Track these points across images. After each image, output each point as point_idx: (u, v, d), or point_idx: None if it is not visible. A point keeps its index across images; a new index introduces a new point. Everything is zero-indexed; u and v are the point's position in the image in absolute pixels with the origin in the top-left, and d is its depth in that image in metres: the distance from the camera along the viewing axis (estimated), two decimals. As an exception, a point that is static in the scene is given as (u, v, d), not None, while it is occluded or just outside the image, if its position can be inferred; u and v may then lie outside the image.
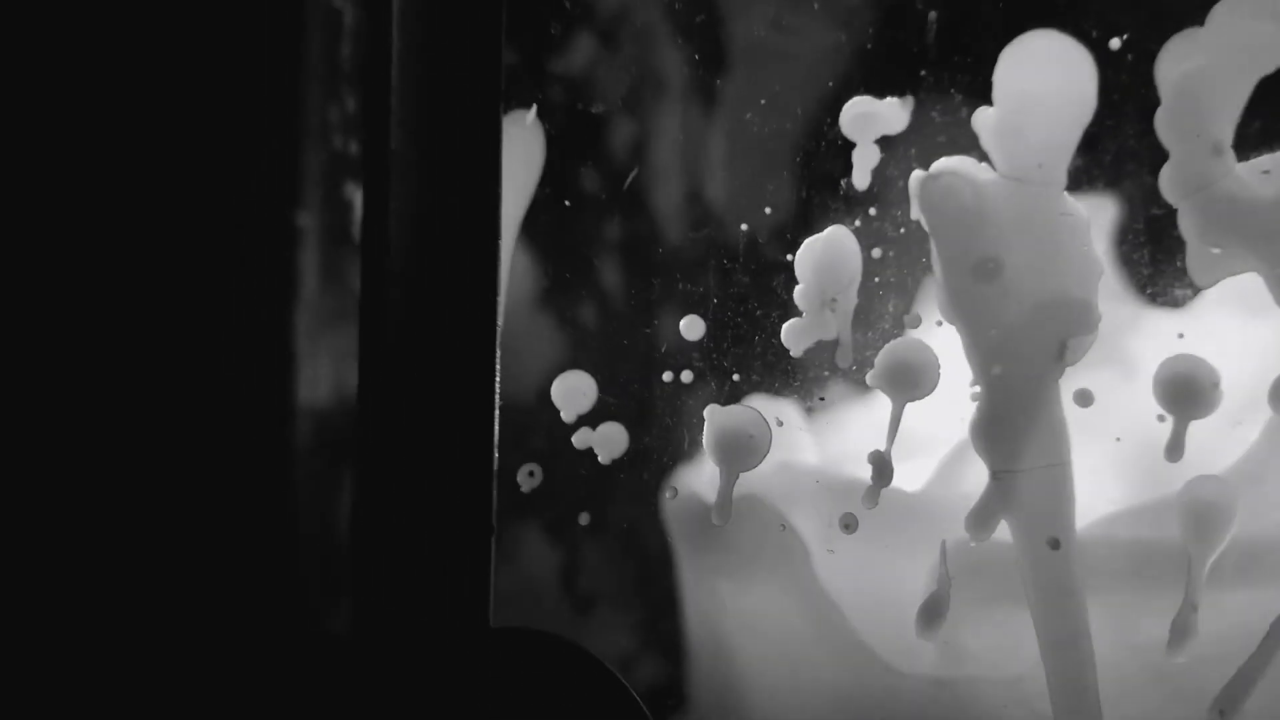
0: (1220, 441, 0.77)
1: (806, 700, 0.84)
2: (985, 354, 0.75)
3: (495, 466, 0.75)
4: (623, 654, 0.92)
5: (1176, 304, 0.81)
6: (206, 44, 0.82)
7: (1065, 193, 0.76)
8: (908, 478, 0.81)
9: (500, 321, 0.77)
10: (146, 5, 0.82)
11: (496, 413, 0.75)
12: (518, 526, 0.92)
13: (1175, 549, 0.75)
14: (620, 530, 0.90)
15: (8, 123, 0.82)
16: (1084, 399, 0.77)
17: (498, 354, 0.76)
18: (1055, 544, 0.75)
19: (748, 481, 0.80)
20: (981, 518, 0.75)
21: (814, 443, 0.87)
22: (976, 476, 0.77)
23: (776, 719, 0.85)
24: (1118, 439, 0.80)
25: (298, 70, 0.83)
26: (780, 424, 0.80)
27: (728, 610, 0.87)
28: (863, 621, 0.82)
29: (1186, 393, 0.74)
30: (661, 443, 0.84)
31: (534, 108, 0.85)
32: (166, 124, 0.82)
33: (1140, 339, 0.81)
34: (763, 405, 0.81)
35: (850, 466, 0.82)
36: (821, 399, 0.83)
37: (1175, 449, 0.74)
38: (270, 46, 0.83)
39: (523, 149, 0.85)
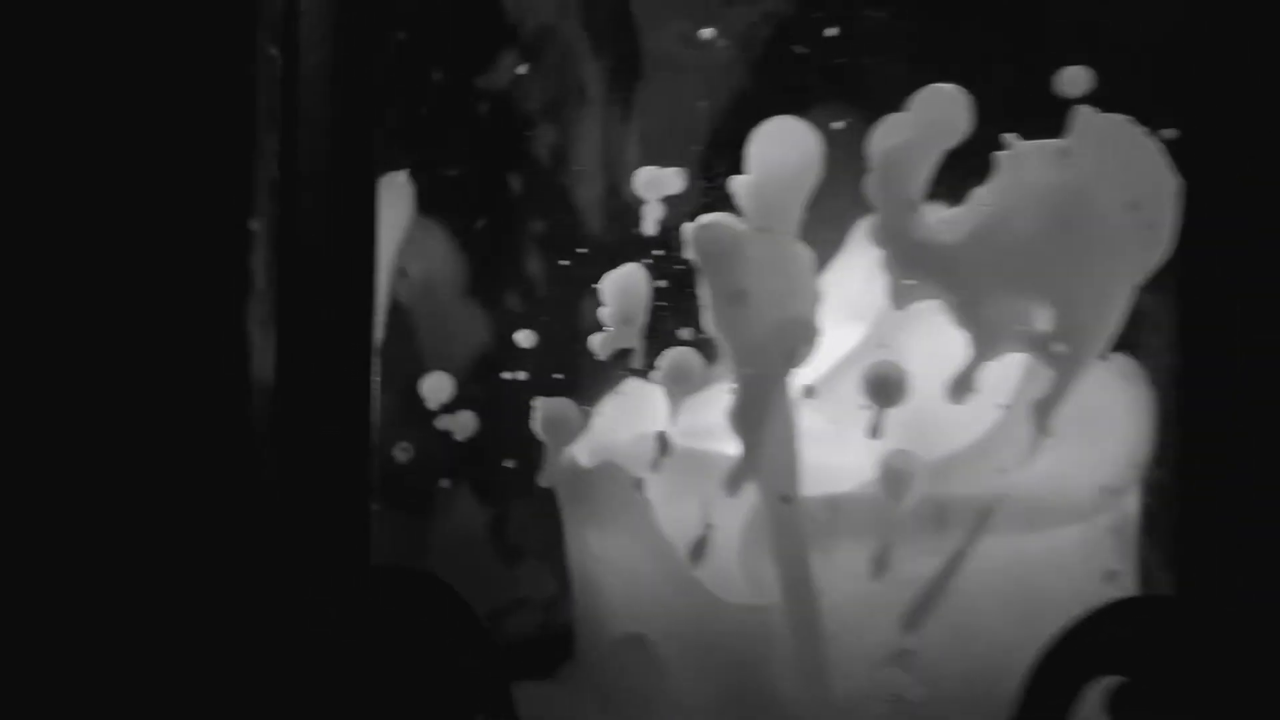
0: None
1: (655, 626, 0.99)
2: (739, 359, 0.97)
3: (372, 442, 0.97)
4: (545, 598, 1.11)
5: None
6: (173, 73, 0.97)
7: (797, 239, 0.97)
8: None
9: (378, 332, 0.98)
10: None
11: (373, 400, 0.97)
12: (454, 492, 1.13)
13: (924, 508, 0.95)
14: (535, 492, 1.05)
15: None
16: (809, 392, 0.99)
17: (374, 354, 0.97)
18: (786, 499, 0.96)
19: (610, 449, 1.02)
20: (734, 479, 0.97)
21: (669, 419, 1.02)
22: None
23: (634, 642, 1.01)
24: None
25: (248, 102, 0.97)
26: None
27: (594, 555, 1.03)
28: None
29: (882, 388, 0.96)
30: (504, 425, 1.07)
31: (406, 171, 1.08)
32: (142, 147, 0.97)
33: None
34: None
35: (696, 439, 1.01)
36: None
37: (875, 430, 0.96)
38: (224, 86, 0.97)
39: (397, 201, 1.08)
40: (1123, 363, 0.98)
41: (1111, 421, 0.98)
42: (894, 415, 0.96)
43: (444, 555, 1.13)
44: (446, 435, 1.09)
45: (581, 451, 1.04)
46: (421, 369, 1.11)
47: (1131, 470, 0.98)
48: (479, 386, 1.10)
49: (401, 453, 1.09)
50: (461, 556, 1.13)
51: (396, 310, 1.10)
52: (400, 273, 1.11)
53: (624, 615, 1.02)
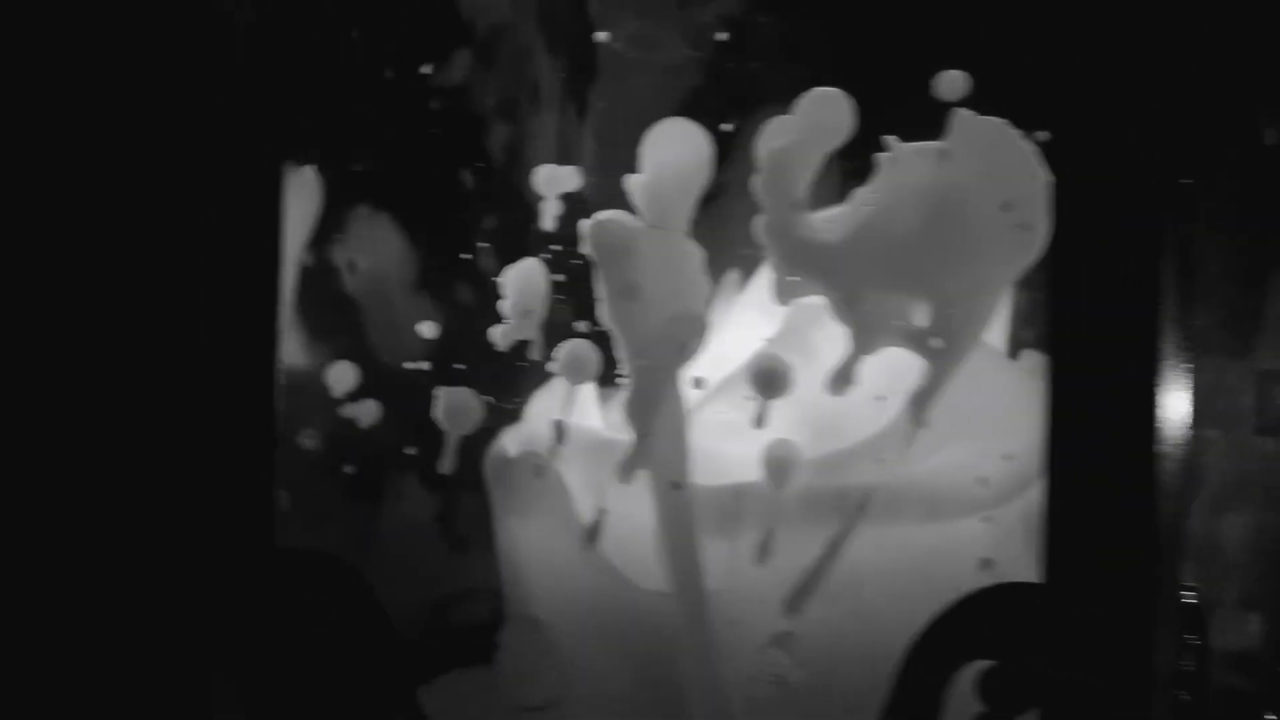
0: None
1: (574, 611, 1.04)
2: (632, 351, 1.01)
3: (276, 427, 1.00)
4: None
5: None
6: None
7: (688, 236, 1.01)
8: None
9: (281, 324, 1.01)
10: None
11: (277, 388, 1.00)
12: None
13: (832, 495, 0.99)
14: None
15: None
16: (698, 383, 1.03)
17: (278, 344, 1.00)
18: (676, 485, 1.00)
19: (533, 440, 1.05)
20: (627, 467, 1.01)
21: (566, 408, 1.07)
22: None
23: (554, 626, 1.05)
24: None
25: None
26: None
27: (517, 542, 1.07)
28: (611, 548, 1.03)
29: (766, 380, 1.00)
30: (408, 413, 1.10)
31: (313, 165, 1.12)
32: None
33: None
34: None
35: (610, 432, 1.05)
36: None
37: (760, 420, 0.99)
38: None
39: (305, 193, 1.12)
40: (1032, 359, 1.01)
41: (998, 416, 1.01)
42: (800, 411, 1.01)
43: (392, 544, 1.17)
44: (351, 423, 1.13)
45: (510, 442, 1.08)
46: (330, 359, 1.15)
47: (1011, 463, 1.01)
48: (384, 376, 1.14)
49: (307, 440, 1.13)
50: (410, 546, 1.16)
51: (311, 300, 1.14)
52: (350, 266, 1.15)
53: (545, 601, 1.06)
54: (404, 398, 1.12)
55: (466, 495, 1.10)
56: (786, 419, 1.01)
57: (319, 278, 1.16)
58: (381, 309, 1.17)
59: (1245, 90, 1.06)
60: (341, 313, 1.17)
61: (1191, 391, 0.95)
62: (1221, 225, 1.05)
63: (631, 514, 1.04)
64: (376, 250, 1.17)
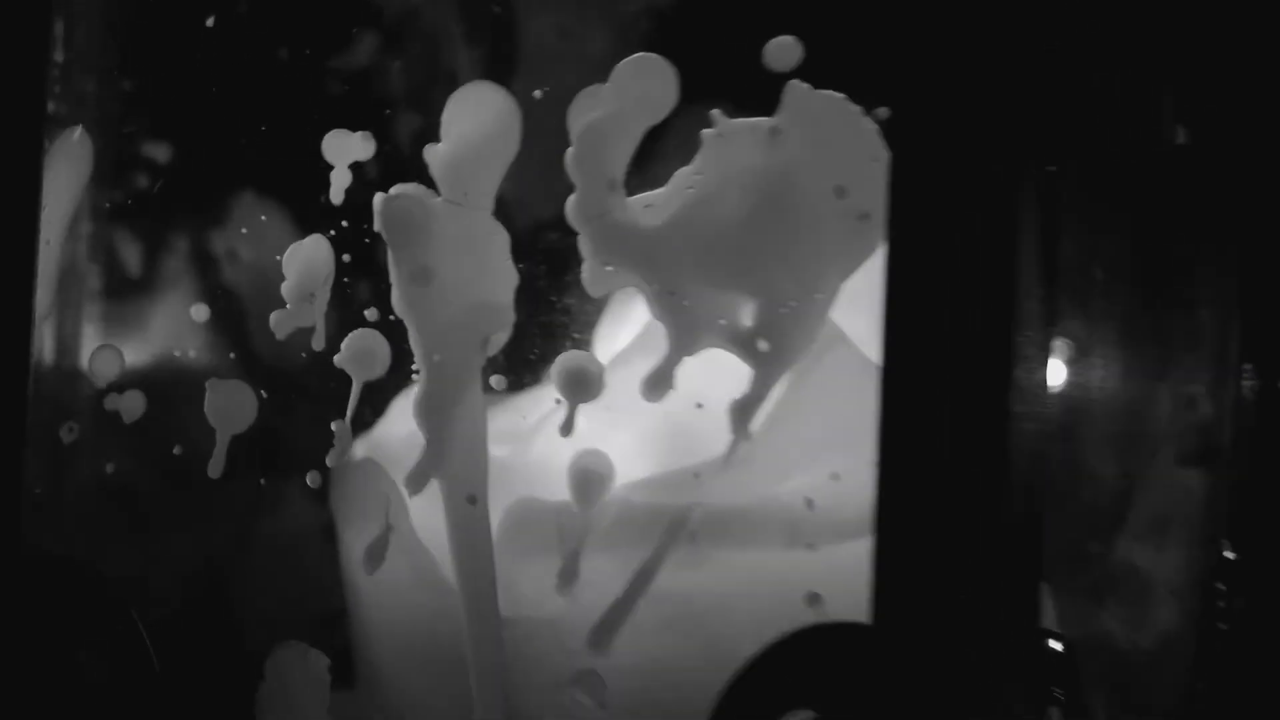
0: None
1: (408, 638, 0.99)
2: (426, 344, 0.94)
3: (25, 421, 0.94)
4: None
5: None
6: None
7: (491, 215, 0.95)
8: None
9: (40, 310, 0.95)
10: None
11: (29, 378, 0.94)
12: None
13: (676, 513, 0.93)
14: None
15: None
16: (499, 385, 0.97)
17: (32, 332, 0.93)
18: (472, 499, 0.94)
19: (380, 446, 1.01)
20: (417, 477, 0.94)
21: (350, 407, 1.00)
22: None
23: (385, 655, 1.01)
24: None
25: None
26: None
27: (352, 559, 1.02)
28: (449, 567, 0.97)
29: (573, 382, 0.93)
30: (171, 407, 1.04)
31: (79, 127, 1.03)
32: None
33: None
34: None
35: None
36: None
37: (567, 427, 0.93)
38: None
39: (70, 162, 1.04)
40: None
41: (838, 430, 0.95)
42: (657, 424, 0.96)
43: (278, 556, 1.13)
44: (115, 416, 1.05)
45: (359, 448, 1.03)
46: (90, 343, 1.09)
47: (839, 483, 0.94)
48: (150, 365, 1.09)
49: (68, 433, 1.06)
50: (297, 558, 1.13)
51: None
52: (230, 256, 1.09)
53: (379, 627, 1.02)
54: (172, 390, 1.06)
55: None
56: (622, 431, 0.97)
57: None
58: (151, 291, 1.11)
59: (1146, 65, 1.00)
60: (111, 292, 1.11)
61: (1047, 406, 0.89)
62: (1104, 223, 0.98)
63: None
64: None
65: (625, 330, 1.02)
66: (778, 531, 0.94)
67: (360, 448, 1.02)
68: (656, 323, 0.94)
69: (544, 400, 0.99)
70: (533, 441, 0.99)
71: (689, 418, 0.94)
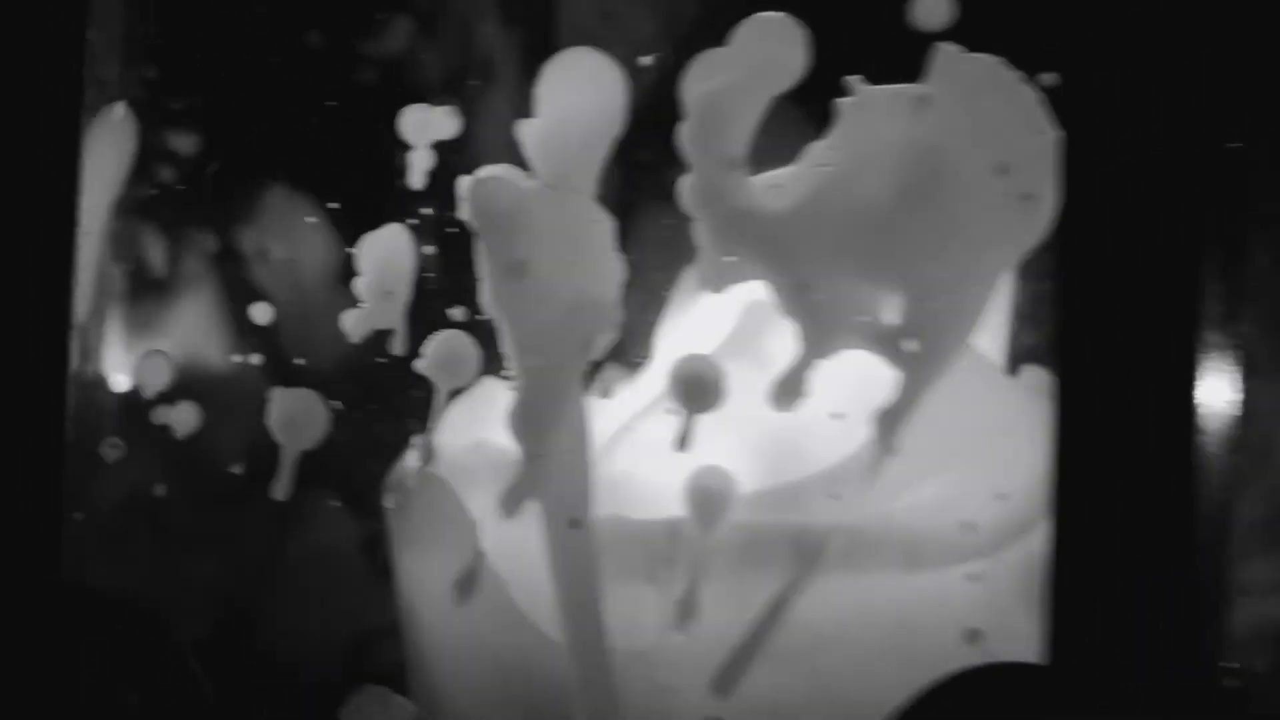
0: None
1: (474, 665, 0.92)
2: (521, 347, 0.87)
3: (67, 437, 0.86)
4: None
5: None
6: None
7: (594, 200, 0.87)
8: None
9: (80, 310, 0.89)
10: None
11: (70, 385, 0.86)
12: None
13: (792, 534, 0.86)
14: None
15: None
16: (605, 390, 0.90)
17: (71, 337, 0.86)
18: (575, 524, 0.86)
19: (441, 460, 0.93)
20: (513, 497, 0.86)
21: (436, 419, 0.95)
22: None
23: (449, 683, 0.94)
24: None
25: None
26: None
27: (412, 580, 0.95)
28: (522, 592, 0.90)
29: (691, 389, 0.85)
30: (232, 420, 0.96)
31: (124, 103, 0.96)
32: None
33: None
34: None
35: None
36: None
37: (684, 440, 0.85)
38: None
39: (112, 142, 0.96)
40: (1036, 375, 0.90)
41: (990, 444, 0.89)
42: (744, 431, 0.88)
43: (309, 574, 1.07)
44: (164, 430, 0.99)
45: (411, 459, 0.95)
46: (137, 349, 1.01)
47: (1005, 504, 0.88)
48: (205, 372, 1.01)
49: (111, 450, 0.98)
50: (329, 576, 1.07)
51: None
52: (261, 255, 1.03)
53: (444, 654, 0.94)
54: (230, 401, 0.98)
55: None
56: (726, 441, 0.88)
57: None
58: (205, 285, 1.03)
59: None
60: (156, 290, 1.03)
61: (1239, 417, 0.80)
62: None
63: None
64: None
65: (692, 322, 0.96)
66: (929, 556, 0.87)
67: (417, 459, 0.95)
68: (752, 317, 0.90)
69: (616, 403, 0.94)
70: (612, 452, 0.92)
71: (779, 424, 0.88)
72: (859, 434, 0.86)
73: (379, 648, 1.01)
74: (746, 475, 0.88)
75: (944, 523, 0.87)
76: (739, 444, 0.89)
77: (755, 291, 0.88)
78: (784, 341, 0.87)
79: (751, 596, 0.86)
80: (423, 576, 0.94)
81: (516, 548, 0.90)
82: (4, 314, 0.85)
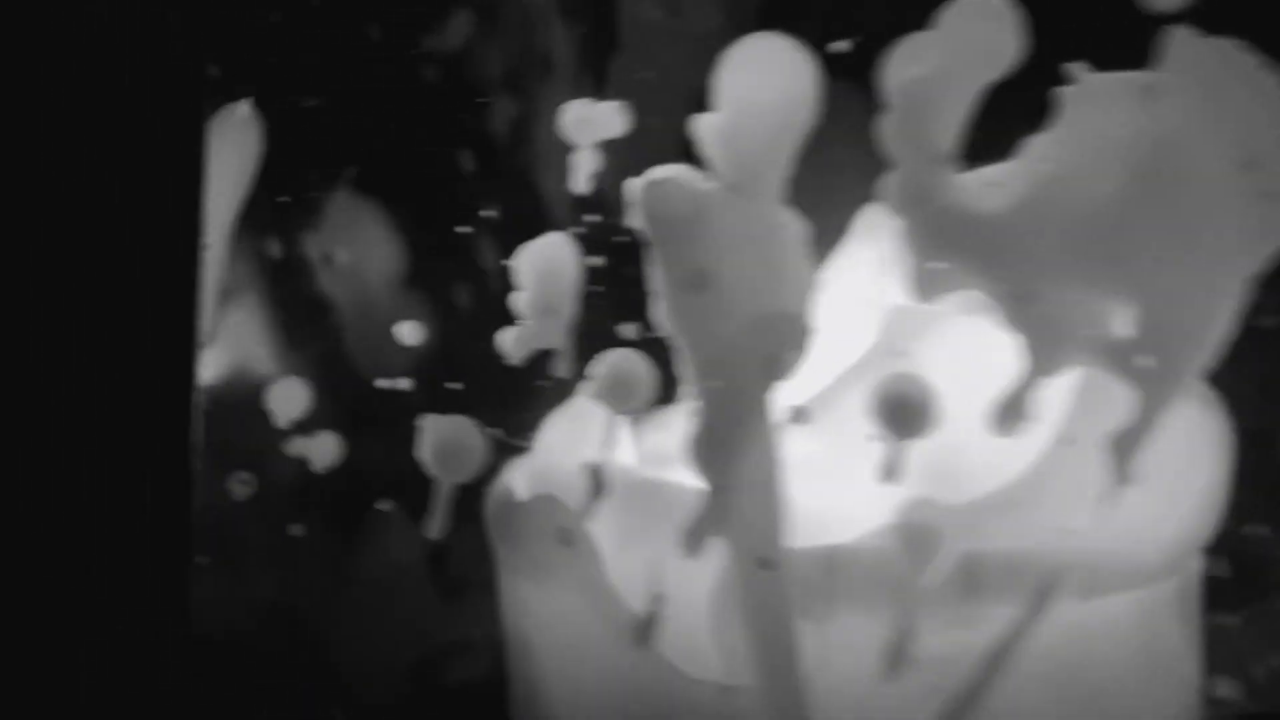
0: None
1: (601, 703, 0.89)
2: (700, 367, 0.82)
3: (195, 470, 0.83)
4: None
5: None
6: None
7: (783, 204, 0.82)
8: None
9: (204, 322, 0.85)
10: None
11: (197, 415, 0.83)
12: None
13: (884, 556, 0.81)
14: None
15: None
16: (800, 415, 0.83)
17: (198, 356, 0.84)
18: (765, 563, 0.80)
19: (548, 482, 0.88)
20: (695, 534, 0.81)
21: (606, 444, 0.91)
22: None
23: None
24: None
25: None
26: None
27: (529, 610, 0.91)
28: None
29: (900, 413, 0.80)
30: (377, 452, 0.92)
31: (248, 101, 0.92)
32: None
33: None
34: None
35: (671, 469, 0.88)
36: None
37: (892, 471, 0.80)
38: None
39: (236, 143, 0.92)
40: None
41: (1188, 462, 0.84)
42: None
43: (373, 590, 1.00)
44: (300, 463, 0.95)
45: (519, 480, 0.91)
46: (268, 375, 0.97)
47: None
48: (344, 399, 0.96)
49: (240, 486, 0.94)
50: (394, 591, 1.01)
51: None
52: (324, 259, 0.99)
53: (562, 686, 0.90)
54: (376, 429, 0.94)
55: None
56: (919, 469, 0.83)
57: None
58: (354, 301, 0.99)
59: None
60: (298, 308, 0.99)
61: None
62: None
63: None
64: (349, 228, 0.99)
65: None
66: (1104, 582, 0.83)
67: (516, 480, 0.91)
68: (898, 324, 0.86)
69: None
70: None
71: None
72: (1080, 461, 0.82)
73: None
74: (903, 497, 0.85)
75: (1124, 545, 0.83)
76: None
77: (894, 295, 0.85)
78: (938, 351, 0.85)
79: (960, 647, 0.82)
80: (540, 609, 0.90)
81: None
82: (123, 336, 0.82)
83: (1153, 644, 0.85)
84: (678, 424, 0.86)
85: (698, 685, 0.85)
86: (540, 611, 0.91)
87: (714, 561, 0.84)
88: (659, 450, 0.90)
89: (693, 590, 0.86)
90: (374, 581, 1.00)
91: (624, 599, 0.87)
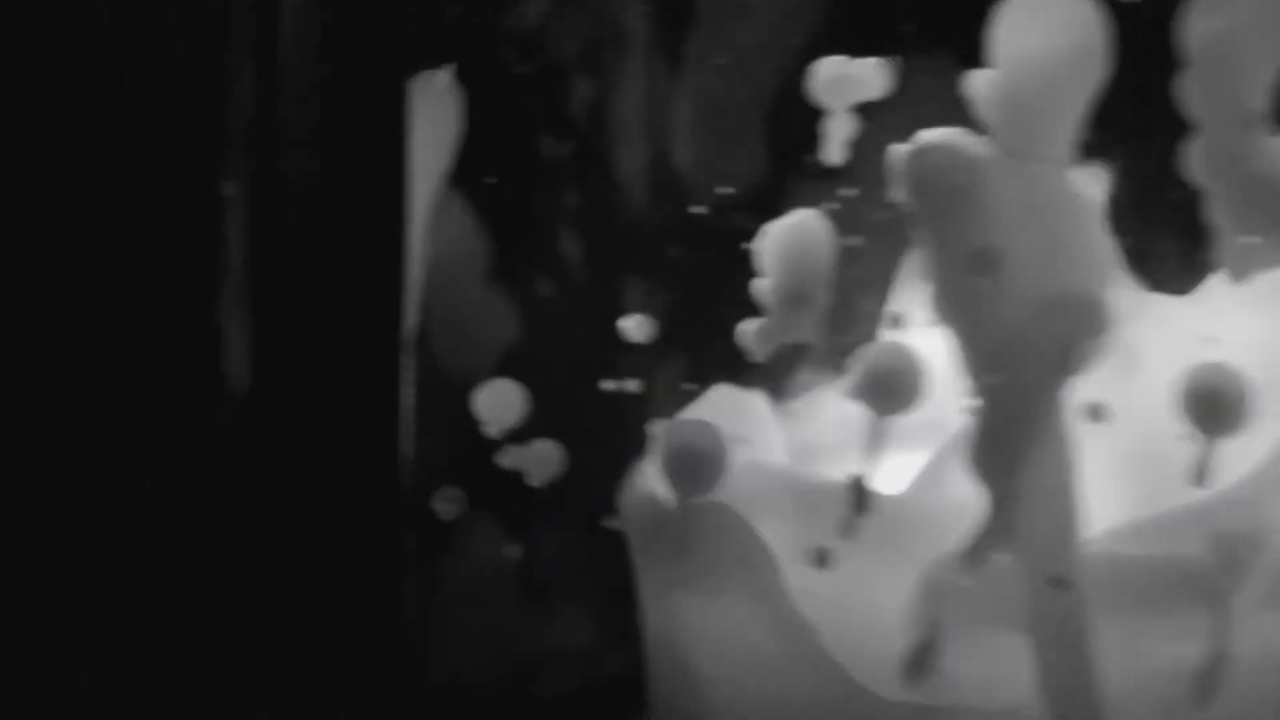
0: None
1: None
2: (980, 361, 0.76)
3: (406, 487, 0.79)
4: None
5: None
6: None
7: (1073, 171, 0.77)
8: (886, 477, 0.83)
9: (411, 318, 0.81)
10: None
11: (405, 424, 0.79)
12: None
13: (1191, 567, 0.76)
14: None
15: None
16: (1096, 414, 0.78)
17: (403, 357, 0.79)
18: (1058, 582, 0.75)
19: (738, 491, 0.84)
20: (977, 553, 0.75)
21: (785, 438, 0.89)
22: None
23: None
24: None
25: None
26: None
27: (688, 627, 0.87)
28: (840, 643, 0.83)
29: (1214, 409, 0.75)
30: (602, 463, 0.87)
31: (448, 69, 0.89)
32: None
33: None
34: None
35: (825, 465, 0.86)
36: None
37: (1203, 473, 0.75)
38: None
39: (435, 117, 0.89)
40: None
41: None
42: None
43: (462, 596, 0.97)
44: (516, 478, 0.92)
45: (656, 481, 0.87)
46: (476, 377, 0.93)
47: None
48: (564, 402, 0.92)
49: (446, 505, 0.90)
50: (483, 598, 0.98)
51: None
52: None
53: (735, 707, 0.86)
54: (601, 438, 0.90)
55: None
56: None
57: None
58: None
59: None
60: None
61: None
62: None
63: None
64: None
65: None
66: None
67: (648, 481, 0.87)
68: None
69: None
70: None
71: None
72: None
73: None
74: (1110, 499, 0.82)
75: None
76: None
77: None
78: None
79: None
80: (709, 625, 0.86)
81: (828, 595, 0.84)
82: (326, 330, 0.77)
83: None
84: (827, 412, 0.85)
85: (893, 707, 0.81)
86: (708, 627, 0.86)
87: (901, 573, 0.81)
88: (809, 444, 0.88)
89: (884, 603, 0.82)
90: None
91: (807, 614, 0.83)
